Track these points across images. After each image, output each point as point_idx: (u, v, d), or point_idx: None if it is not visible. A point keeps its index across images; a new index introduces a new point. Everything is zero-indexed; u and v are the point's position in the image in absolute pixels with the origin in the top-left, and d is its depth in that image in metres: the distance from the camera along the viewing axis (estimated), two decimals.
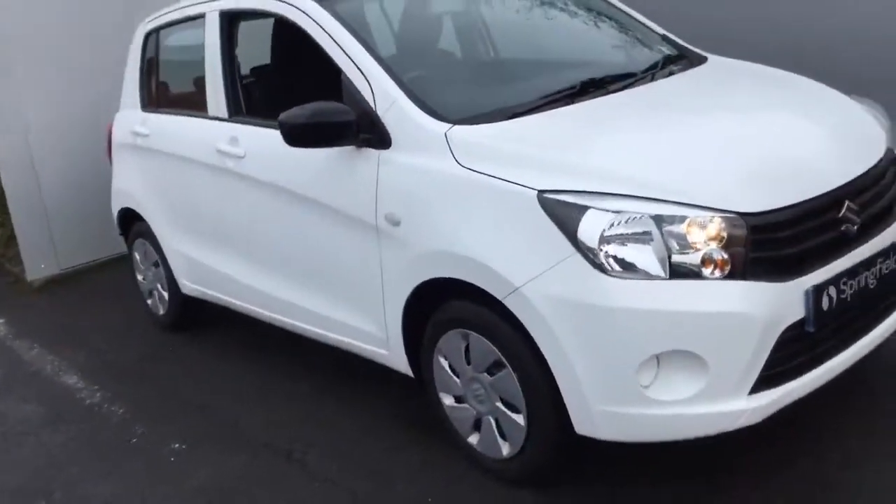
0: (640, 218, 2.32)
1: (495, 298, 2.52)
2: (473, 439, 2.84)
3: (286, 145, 3.05)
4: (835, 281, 2.43)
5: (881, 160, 2.71)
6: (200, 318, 4.60)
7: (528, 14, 3.62)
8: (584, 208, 2.35)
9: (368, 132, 2.90)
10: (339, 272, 3.16)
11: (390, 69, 2.94)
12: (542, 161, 2.52)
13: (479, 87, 3.20)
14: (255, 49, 4.06)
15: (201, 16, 3.84)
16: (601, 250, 2.31)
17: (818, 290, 2.39)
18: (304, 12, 3.19)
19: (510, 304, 2.46)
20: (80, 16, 5.63)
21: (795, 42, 5.43)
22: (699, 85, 3.14)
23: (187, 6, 4.02)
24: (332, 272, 3.20)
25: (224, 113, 3.68)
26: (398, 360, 3.03)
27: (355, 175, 2.95)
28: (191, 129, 3.92)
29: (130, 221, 4.72)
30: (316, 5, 3.19)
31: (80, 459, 3.44)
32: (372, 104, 2.89)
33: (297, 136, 2.90)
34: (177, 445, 3.40)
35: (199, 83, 3.92)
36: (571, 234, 2.34)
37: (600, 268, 2.31)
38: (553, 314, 2.37)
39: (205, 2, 3.85)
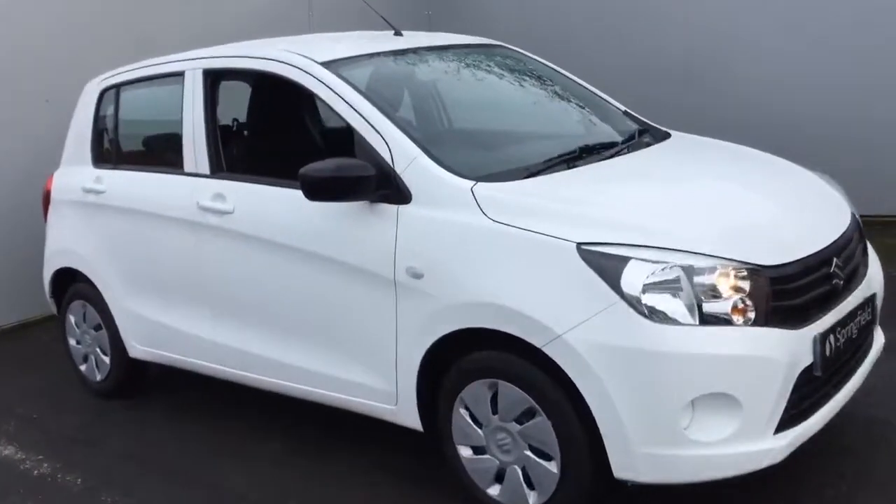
0: (674, 268, 2.51)
1: (530, 346, 2.62)
2: (494, 490, 2.88)
3: (282, 200, 3.21)
4: (833, 330, 2.70)
5: (850, 223, 3.06)
6: (142, 384, 4.42)
7: (505, 87, 3.84)
8: (626, 259, 2.52)
9: (385, 188, 2.98)
10: (342, 327, 3.17)
11: (406, 129, 3.05)
12: (572, 216, 2.67)
13: (485, 149, 3.36)
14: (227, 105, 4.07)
15: (179, 73, 3.82)
16: (643, 298, 2.48)
17: (823, 337, 2.64)
18: (313, 76, 3.26)
19: (550, 351, 2.57)
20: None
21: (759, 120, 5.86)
22: (681, 156, 3.43)
23: (161, 63, 3.99)
24: (334, 327, 3.19)
25: (205, 169, 3.64)
26: (407, 414, 3.04)
27: (370, 229, 3.00)
28: (162, 186, 3.84)
29: (65, 283, 4.51)
30: (325, 70, 3.27)
31: None
32: (389, 161, 2.98)
33: (319, 189, 2.94)
34: None
35: (172, 140, 3.87)
36: (614, 283, 2.50)
37: (643, 315, 2.47)
38: (597, 360, 2.49)
39: (184, 59, 3.84)
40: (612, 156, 3.26)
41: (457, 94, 3.67)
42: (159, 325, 3.96)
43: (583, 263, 2.55)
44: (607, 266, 2.52)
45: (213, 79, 3.72)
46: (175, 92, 3.85)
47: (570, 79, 3.96)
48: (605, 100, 3.94)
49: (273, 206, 3.34)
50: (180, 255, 3.76)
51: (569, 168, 3.08)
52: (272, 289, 3.39)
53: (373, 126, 3.06)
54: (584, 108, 3.82)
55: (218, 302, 3.65)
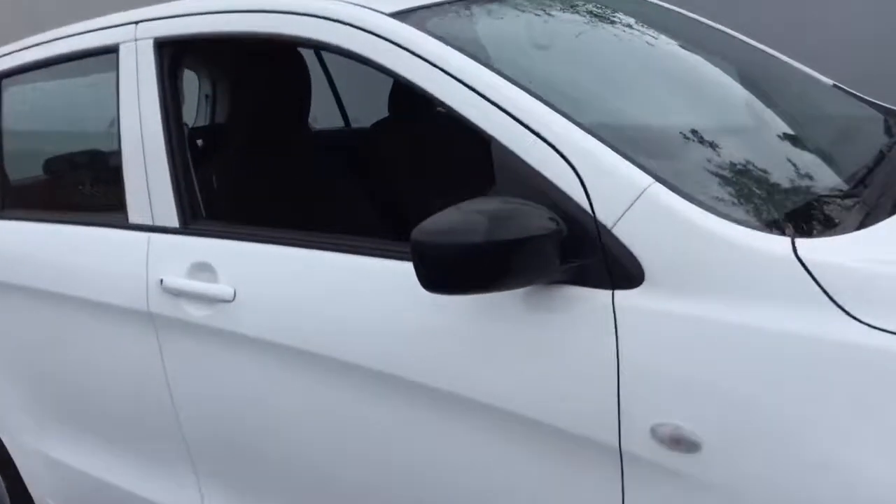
0: None
1: None
2: None
3: (340, 278, 1.62)
4: None
5: None
6: None
7: (671, 55, 2.29)
8: None
9: (576, 255, 1.45)
10: None
11: (603, 135, 1.51)
12: None
13: (735, 168, 1.77)
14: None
15: (109, 50, 2.17)
16: None
17: None
18: (386, 39, 1.67)
19: None
20: None
21: None
22: None
23: (74, 35, 2.31)
24: None
25: (170, 218, 2.00)
26: None
27: (549, 338, 1.46)
28: (89, 249, 2.18)
29: None
30: (406, 27, 1.69)
31: None
32: (584, 202, 1.45)
33: (457, 269, 1.38)
34: None
35: (102, 165, 2.24)
36: None
37: None
38: None
39: (116, 24, 2.18)
40: None
41: (617, 65, 2.03)
42: (95, 481, 2.31)
43: None
44: None
45: (174, 55, 2.07)
46: (102, 83, 2.20)
47: (753, 45, 2.44)
48: (808, 74, 2.46)
49: (319, 289, 1.76)
50: (131, 371, 2.12)
51: None
52: (325, 443, 1.79)
53: (533, 129, 1.51)
54: (793, 87, 2.33)
55: (210, 456, 2.04)
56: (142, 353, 2.06)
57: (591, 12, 2.07)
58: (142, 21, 2.12)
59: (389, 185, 2.00)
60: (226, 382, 1.93)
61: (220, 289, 1.87)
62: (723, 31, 2.40)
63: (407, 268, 1.55)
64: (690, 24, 2.33)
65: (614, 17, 2.08)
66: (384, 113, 2.88)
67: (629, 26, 2.08)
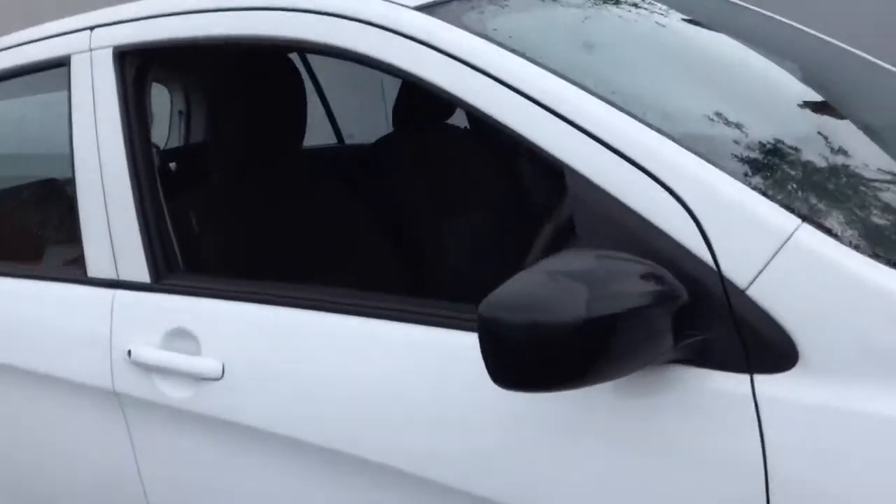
0: None
1: None
2: None
3: (370, 349, 1.27)
4: None
5: None
6: None
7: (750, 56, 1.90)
8: None
9: (696, 326, 1.05)
10: None
11: (728, 167, 1.12)
12: None
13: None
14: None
15: (58, 63, 1.75)
16: None
17: None
18: (421, 42, 1.28)
19: None
20: None
21: None
22: None
23: (18, 45, 1.85)
24: None
25: (139, 272, 1.59)
26: None
27: (654, 437, 1.08)
28: (39, 311, 1.76)
29: None
30: (443, 25, 1.30)
31: None
32: (706, 254, 1.05)
33: (547, 356, 0.98)
34: None
35: (54, 206, 1.84)
36: None
37: None
38: None
39: (66, 32, 1.77)
40: None
41: (714, 73, 1.54)
42: None
43: None
44: None
45: (139, 66, 1.66)
46: (52, 103, 1.80)
47: (839, 45, 2.06)
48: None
49: (333, 365, 1.36)
50: (94, 460, 1.70)
51: None
52: None
53: (626, 156, 1.12)
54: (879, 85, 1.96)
55: None
56: (106, 441, 1.64)
57: (668, 11, 1.64)
58: (98, 26, 1.70)
59: (419, 221, 1.58)
60: (212, 480, 1.52)
61: (205, 363, 1.46)
62: (797, 28, 2.02)
63: (451, 339, 1.18)
64: (773, 23, 1.95)
65: (696, 15, 1.68)
66: (379, 125, 2.50)
67: (718, 28, 1.68)
